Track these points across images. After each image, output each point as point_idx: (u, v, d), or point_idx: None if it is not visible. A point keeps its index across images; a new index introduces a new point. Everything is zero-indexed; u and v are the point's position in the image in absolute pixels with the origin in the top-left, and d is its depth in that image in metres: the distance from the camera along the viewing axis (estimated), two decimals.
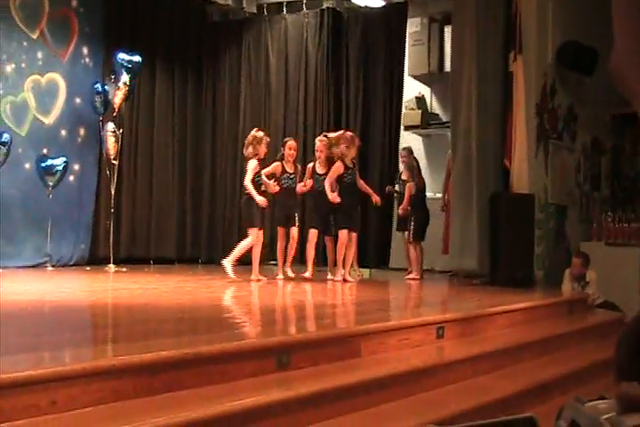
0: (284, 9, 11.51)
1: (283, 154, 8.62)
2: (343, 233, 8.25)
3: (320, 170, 8.56)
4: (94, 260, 10.01)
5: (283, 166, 8.53)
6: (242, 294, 7.30)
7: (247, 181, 8.02)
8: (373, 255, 10.61)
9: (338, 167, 8.36)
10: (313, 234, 8.47)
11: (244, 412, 3.29)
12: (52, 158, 8.57)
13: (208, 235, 11.59)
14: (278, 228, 8.58)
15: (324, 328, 5.06)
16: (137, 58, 9.95)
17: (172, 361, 3.52)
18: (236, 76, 11.82)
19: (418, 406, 4.00)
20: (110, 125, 9.74)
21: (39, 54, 9.82)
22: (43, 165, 8.68)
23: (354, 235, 8.45)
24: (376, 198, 8.65)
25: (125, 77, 9.74)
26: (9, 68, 9.50)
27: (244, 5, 10.84)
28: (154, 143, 11.21)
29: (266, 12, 11.58)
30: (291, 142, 8.70)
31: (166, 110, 11.35)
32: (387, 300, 7.15)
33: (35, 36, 9.80)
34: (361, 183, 8.65)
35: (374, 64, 10.95)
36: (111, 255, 9.61)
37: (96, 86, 9.95)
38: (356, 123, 10.94)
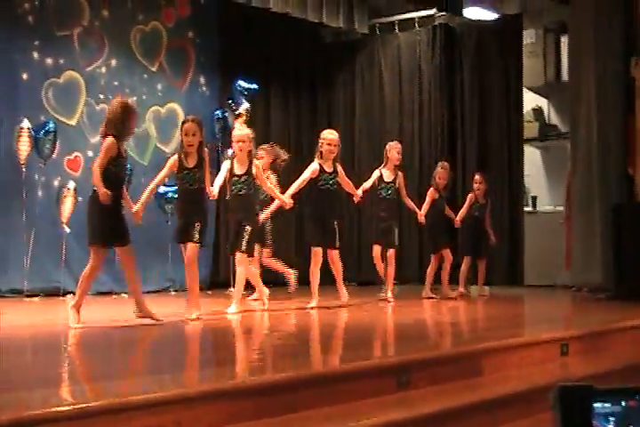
0: (396, 28, 11.56)
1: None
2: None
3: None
4: (215, 283, 10.25)
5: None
6: (359, 314, 7.28)
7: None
8: (503, 272, 10.44)
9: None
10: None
11: None
12: (168, 186, 8.85)
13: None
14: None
15: (444, 347, 5.02)
16: (254, 85, 10.19)
17: (291, 382, 3.56)
18: (349, 97, 11.93)
19: (541, 425, 3.91)
20: (230, 151, 9.96)
21: (159, 86, 10.21)
22: (160, 192, 8.97)
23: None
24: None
25: (246, 104, 9.98)
26: (131, 100, 9.88)
27: (356, 26, 10.95)
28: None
29: (378, 32, 11.66)
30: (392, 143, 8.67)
31: (282, 135, 11.53)
32: (508, 316, 7.01)
33: (154, 69, 10.20)
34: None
35: (489, 78, 10.82)
36: (232, 279, 9.80)
37: (216, 113, 10.22)
38: (473, 138, 10.85)
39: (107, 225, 5.74)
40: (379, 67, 11.69)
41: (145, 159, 9.87)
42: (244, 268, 6.91)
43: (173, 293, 9.54)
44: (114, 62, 9.78)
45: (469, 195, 9.07)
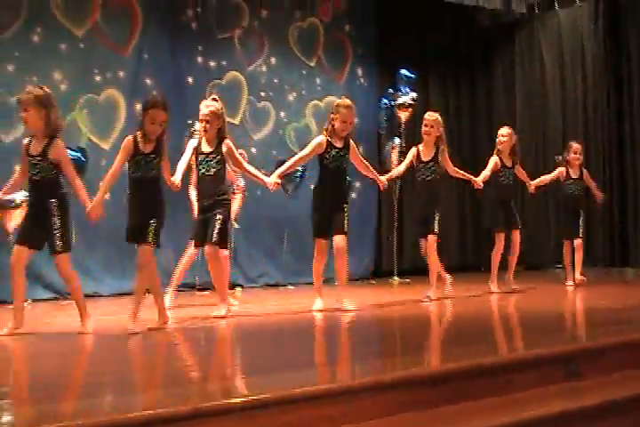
0: (556, 4, 11.21)
1: (565, 158, 8.36)
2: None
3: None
4: (379, 273, 10.35)
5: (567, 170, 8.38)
6: (517, 300, 7.16)
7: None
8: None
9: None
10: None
11: (526, 423, 3.27)
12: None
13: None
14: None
15: (614, 335, 4.86)
16: (413, 74, 10.20)
17: (454, 373, 3.56)
18: (509, 81, 11.70)
19: None
20: (397, 140, 10.04)
21: (317, 80, 10.43)
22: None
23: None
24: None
25: (412, 94, 10.02)
26: (291, 96, 10.17)
27: (514, 6, 10.71)
28: None
29: (537, 10, 11.35)
30: (576, 146, 8.40)
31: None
32: None
33: (312, 64, 10.43)
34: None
35: None
36: (395, 268, 9.89)
37: (384, 102, 10.27)
38: None
39: None
40: (539, 47, 11.39)
41: None
42: (216, 263, 5.96)
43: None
44: (273, 60, 10.07)
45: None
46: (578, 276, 8.21)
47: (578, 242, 8.25)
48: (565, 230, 8.50)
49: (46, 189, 5.19)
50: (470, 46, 11.93)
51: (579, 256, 8.25)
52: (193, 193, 6.82)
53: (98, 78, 8.67)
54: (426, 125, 7.18)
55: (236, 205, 7.48)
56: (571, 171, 8.37)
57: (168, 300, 6.36)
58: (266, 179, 6.22)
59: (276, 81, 10.05)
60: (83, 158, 7.63)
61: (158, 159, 5.30)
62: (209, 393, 3.19)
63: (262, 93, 9.91)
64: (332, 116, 6.40)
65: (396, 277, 9.68)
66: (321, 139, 6.36)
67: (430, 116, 7.26)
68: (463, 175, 7.60)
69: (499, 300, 7.16)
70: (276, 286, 9.47)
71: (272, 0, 10.06)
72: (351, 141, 6.46)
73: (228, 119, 9.23)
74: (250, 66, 9.88)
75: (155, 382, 3.61)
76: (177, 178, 5.64)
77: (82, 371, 4.05)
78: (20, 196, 5.45)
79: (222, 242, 5.95)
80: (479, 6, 10.40)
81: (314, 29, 10.48)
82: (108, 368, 3.96)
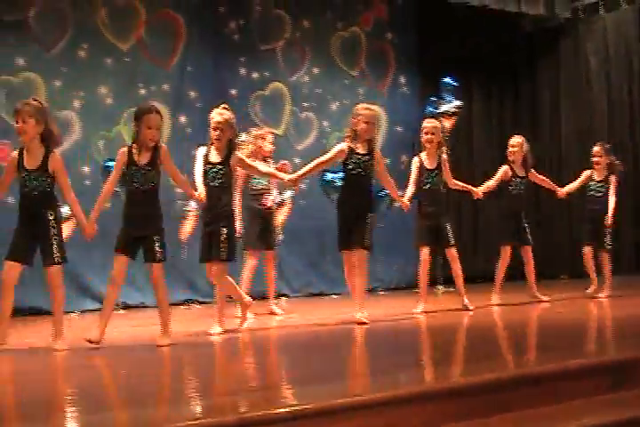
0: (601, 8, 11.09)
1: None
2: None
3: None
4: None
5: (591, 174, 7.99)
6: (566, 310, 7.04)
7: None
8: None
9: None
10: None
11: None
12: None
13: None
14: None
15: None
16: (455, 81, 10.16)
17: (505, 382, 3.54)
18: (554, 87, 11.59)
19: None
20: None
21: (360, 90, 10.46)
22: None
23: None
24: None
25: (456, 102, 9.98)
26: (334, 106, 10.20)
27: (558, 11, 10.63)
28: (473, 162, 11.33)
29: (582, 15, 11.24)
30: (595, 149, 8.01)
31: (484, 128, 11.42)
32: None
33: (355, 73, 10.46)
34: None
35: None
36: (439, 276, 9.82)
37: (429, 111, 10.21)
38: None
39: None
40: (584, 52, 11.27)
41: None
42: (223, 280, 5.76)
43: (382, 293, 9.72)
44: (316, 70, 10.13)
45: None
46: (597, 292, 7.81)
47: (603, 255, 7.85)
48: (588, 238, 7.94)
49: (43, 202, 5.11)
50: (514, 53, 11.86)
51: (607, 269, 7.82)
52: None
53: (142, 92, 8.82)
54: (426, 133, 6.98)
55: (282, 216, 7.52)
56: (595, 174, 7.98)
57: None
58: (285, 176, 6.18)
59: (318, 91, 10.10)
60: None
61: (154, 171, 5.19)
62: (254, 403, 3.21)
63: (305, 104, 9.97)
64: (353, 120, 6.21)
65: (440, 286, 9.63)
66: (342, 145, 6.18)
67: (429, 122, 7.07)
68: (463, 187, 7.38)
69: (545, 309, 7.07)
70: (320, 295, 9.49)
71: (313, 11, 10.12)
72: (376, 149, 6.30)
73: (271, 130, 9.37)
74: (292, 76, 9.95)
75: (203, 391, 3.64)
76: (201, 192, 5.58)
77: (137, 380, 4.08)
78: (66, 210, 5.49)
79: (231, 256, 5.75)
80: (522, 12, 10.34)
81: (355, 39, 10.52)
82: (156, 378, 4.00)
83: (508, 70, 11.84)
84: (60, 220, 5.21)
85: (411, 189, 6.95)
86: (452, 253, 6.94)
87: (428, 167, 6.99)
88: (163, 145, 5.32)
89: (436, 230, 6.90)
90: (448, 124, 10.03)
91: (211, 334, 5.61)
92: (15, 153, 5.16)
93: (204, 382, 3.88)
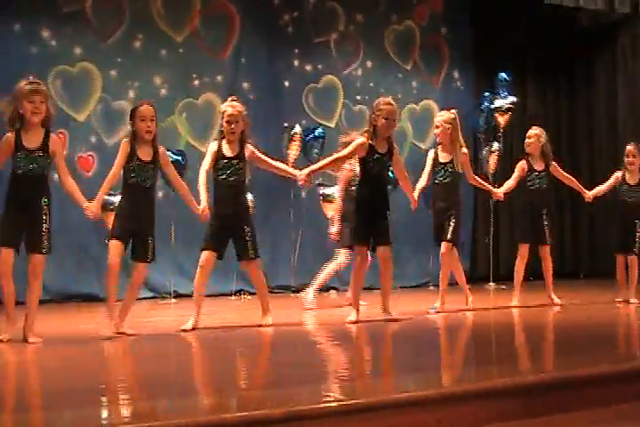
0: None
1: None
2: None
3: None
4: (474, 278, 10.18)
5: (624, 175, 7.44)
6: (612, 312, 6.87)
7: None
8: None
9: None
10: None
11: None
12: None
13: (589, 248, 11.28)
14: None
15: None
16: (510, 77, 10.06)
17: (551, 383, 3.50)
18: (612, 81, 11.36)
19: None
20: (495, 145, 9.90)
21: (413, 83, 10.39)
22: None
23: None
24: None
25: (510, 97, 9.88)
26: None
27: (617, 6, 10.42)
28: None
29: None
30: (628, 148, 7.47)
31: (539, 124, 11.23)
32: None
33: (408, 67, 10.40)
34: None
35: None
36: (491, 273, 9.74)
37: (485, 106, 10.13)
38: None
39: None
40: None
41: (401, 156, 10.04)
42: (258, 276, 5.77)
43: (432, 288, 9.63)
44: (369, 64, 10.09)
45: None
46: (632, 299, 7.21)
47: (632, 258, 7.29)
48: (619, 243, 7.42)
49: (38, 185, 4.97)
50: (570, 48, 11.64)
51: (634, 273, 7.26)
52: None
53: (196, 82, 8.87)
54: (437, 127, 6.70)
55: (331, 211, 7.53)
56: (627, 175, 7.43)
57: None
58: (296, 172, 5.92)
59: (371, 84, 10.06)
60: (182, 161, 7.82)
61: (155, 170, 5.25)
62: (303, 397, 3.20)
63: (358, 97, 9.93)
64: (372, 116, 5.92)
65: (491, 283, 9.54)
66: (362, 140, 5.85)
67: (441, 115, 6.75)
68: (482, 185, 7.15)
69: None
70: (369, 289, 9.42)
71: (368, 4, 10.08)
72: (395, 147, 6.02)
73: (323, 122, 9.36)
74: (345, 69, 9.92)
75: (251, 383, 3.64)
76: (203, 206, 5.46)
77: (183, 370, 4.11)
78: (118, 198, 5.52)
79: (257, 253, 5.68)
80: (580, 6, 10.16)
81: (410, 32, 10.45)
82: (206, 369, 4.02)
83: (565, 67, 11.64)
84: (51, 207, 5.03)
85: (422, 183, 6.71)
86: (446, 246, 6.61)
87: (442, 160, 6.71)
88: (161, 147, 5.33)
89: (442, 226, 6.64)
90: (503, 120, 9.95)
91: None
92: (10, 133, 4.98)
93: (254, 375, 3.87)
